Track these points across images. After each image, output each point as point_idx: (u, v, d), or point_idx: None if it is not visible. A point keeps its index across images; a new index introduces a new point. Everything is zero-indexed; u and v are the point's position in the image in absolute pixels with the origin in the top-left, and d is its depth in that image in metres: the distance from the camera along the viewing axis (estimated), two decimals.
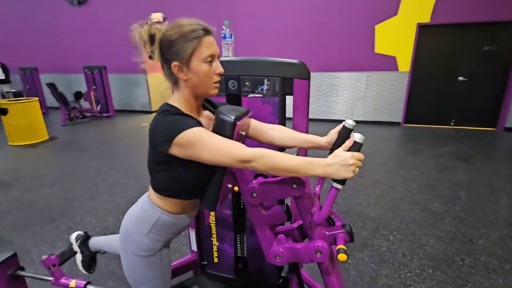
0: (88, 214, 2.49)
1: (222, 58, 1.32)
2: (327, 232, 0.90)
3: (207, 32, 0.79)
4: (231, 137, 0.79)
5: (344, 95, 5.65)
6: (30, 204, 2.70)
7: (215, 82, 0.83)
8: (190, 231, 1.69)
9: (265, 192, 0.87)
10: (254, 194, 0.88)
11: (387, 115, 5.53)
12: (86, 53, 7.30)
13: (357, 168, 0.71)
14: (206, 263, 1.75)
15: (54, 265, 1.33)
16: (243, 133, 0.88)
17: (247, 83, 1.31)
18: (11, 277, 1.37)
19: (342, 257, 0.80)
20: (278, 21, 5.69)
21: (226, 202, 1.55)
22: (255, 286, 1.67)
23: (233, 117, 0.79)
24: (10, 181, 3.24)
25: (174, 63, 0.78)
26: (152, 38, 0.77)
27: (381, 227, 2.25)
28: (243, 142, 0.89)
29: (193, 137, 0.73)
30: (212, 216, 1.59)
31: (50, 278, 1.36)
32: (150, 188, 0.91)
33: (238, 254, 1.68)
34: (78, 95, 6.56)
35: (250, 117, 0.97)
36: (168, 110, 0.80)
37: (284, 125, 1.43)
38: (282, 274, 1.65)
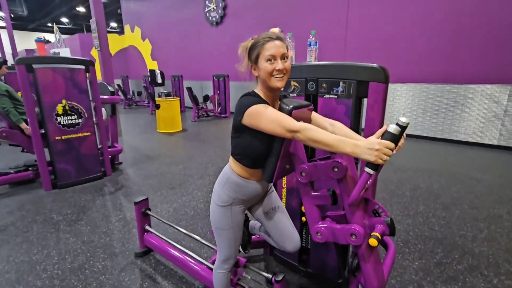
0: (196, 188, 3.15)
1: (303, 63, 1.51)
2: (366, 221, 0.95)
3: (271, 39, 1.02)
4: None
5: (474, 112, 4.65)
6: (162, 174, 3.63)
7: (275, 76, 1.02)
8: None
9: (311, 172, 1.01)
10: (303, 174, 1.03)
11: None
12: (217, 64, 8.86)
13: (384, 155, 0.76)
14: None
15: None
16: (301, 122, 1.05)
17: (324, 85, 1.45)
18: (143, 213, 1.99)
19: (372, 241, 0.86)
20: (390, 22, 5.31)
21: (296, 194, 1.72)
22: (315, 279, 1.75)
23: (291, 106, 0.98)
24: (154, 157, 4.42)
25: (250, 64, 1.08)
26: (246, 48, 1.08)
27: (484, 266, 1.86)
28: None
29: (257, 109, 0.98)
30: (284, 203, 1.79)
31: (167, 221, 1.89)
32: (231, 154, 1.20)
33: (303, 244, 1.81)
34: (206, 98, 8.06)
35: (311, 110, 1.13)
36: (249, 93, 1.08)
37: (358, 126, 1.49)
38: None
